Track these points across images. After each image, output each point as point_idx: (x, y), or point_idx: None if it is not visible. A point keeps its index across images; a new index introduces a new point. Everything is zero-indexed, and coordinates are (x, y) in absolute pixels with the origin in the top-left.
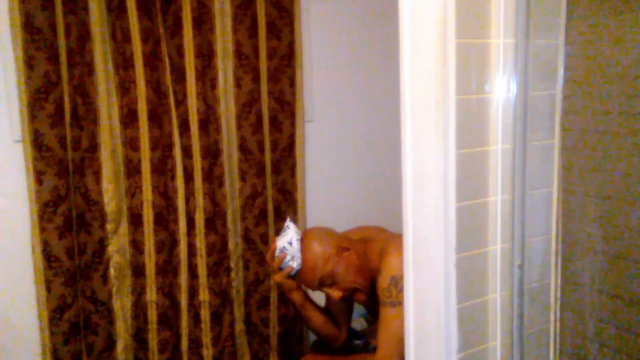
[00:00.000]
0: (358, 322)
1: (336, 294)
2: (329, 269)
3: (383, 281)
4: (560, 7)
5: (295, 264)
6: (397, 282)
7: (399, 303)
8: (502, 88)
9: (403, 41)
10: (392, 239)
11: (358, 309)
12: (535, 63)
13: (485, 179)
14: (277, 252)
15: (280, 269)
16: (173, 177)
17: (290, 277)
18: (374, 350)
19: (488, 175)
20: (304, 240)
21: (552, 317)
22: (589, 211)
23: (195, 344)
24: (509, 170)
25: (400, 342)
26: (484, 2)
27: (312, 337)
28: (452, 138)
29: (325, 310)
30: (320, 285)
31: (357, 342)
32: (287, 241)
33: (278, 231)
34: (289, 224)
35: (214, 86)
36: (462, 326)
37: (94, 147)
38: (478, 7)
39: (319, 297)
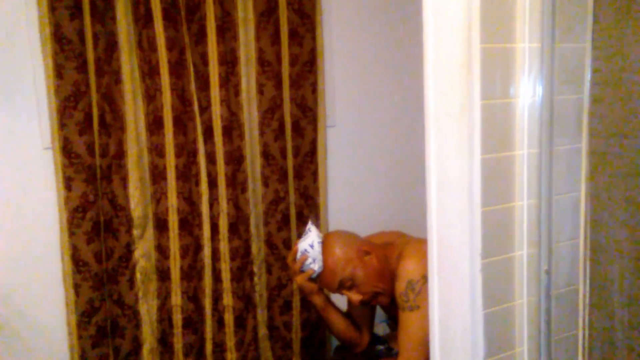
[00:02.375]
0: (381, 328)
1: (356, 297)
2: (349, 271)
3: (400, 286)
4: (587, 10)
5: (316, 267)
6: (414, 286)
7: (417, 307)
8: (527, 92)
9: (427, 46)
10: (409, 243)
11: (380, 314)
12: (561, 67)
13: (511, 183)
14: (298, 255)
15: (302, 272)
16: (197, 183)
17: (311, 279)
18: (397, 355)
19: (514, 180)
20: (325, 242)
21: (580, 323)
22: (617, 216)
23: (220, 348)
24: (535, 175)
25: (420, 345)
26: (509, 6)
27: (335, 342)
28: (477, 143)
29: (348, 315)
30: (340, 287)
31: (380, 347)
32: (309, 244)
33: (300, 235)
34: (310, 226)
35: (237, 93)
36: (488, 332)
37: (120, 154)
38: (503, 12)
39: (342, 303)
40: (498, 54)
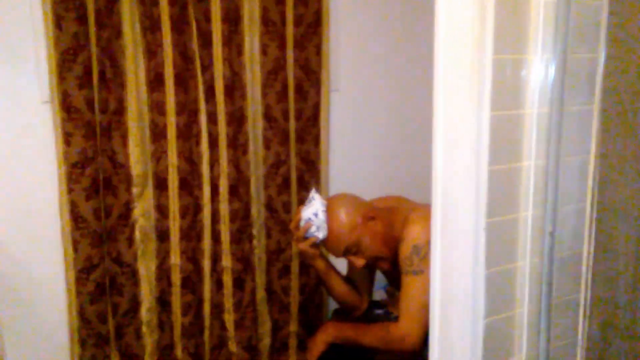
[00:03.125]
0: (378, 294)
1: (360, 262)
2: (355, 237)
3: (405, 250)
4: None
5: (320, 235)
6: (419, 250)
7: (420, 271)
8: (540, 49)
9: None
10: (415, 208)
11: (379, 280)
12: (577, 23)
13: (520, 142)
14: (302, 223)
15: (305, 239)
16: (198, 143)
17: (313, 246)
18: (395, 319)
19: (522, 139)
20: (330, 207)
21: (582, 286)
22: (626, 175)
23: (217, 309)
24: (544, 135)
25: (422, 309)
26: None
27: (332, 307)
28: (486, 99)
29: (348, 279)
30: (346, 253)
31: (379, 311)
32: (313, 212)
33: (302, 200)
34: (314, 195)
35: (240, 52)
36: (489, 292)
37: (120, 110)
38: None
39: (341, 267)
40: (512, 7)
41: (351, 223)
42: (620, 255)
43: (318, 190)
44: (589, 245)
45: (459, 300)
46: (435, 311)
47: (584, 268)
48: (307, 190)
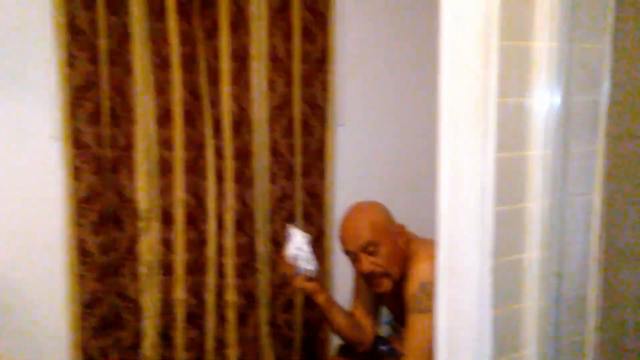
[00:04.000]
0: (383, 329)
1: (368, 266)
2: (381, 238)
3: (412, 287)
4: (607, 11)
5: (311, 267)
6: (426, 289)
7: (427, 310)
8: (544, 92)
9: (443, 41)
10: (423, 244)
11: (383, 316)
12: (579, 67)
13: (525, 184)
14: (289, 261)
15: (297, 275)
16: (205, 178)
17: (310, 279)
18: (400, 357)
19: (527, 180)
20: (372, 203)
21: (590, 328)
22: (632, 219)
23: (221, 344)
24: (549, 176)
25: (428, 348)
26: (529, 4)
27: (336, 343)
28: (491, 141)
29: (351, 315)
30: (364, 248)
31: (383, 348)
32: (296, 247)
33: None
34: (292, 230)
35: (247, 89)
36: (496, 333)
37: (129, 146)
38: (522, 9)
39: (346, 304)
40: (516, 51)
41: (384, 224)
42: (627, 297)
43: (295, 225)
44: (595, 286)
45: (464, 342)
46: (440, 352)
47: (591, 310)
48: (313, 225)
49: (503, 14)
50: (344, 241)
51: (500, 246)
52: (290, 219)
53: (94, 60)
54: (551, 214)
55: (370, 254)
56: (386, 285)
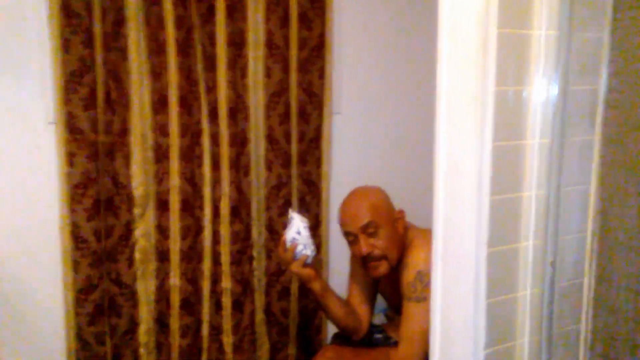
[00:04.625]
0: (377, 317)
1: (366, 248)
2: (382, 220)
3: (408, 275)
4: (606, 0)
5: (309, 252)
6: (423, 277)
7: (423, 298)
8: (542, 81)
9: (441, 29)
10: (420, 233)
11: (378, 304)
12: (578, 56)
13: (521, 173)
14: (287, 244)
15: (295, 260)
16: (200, 164)
17: (307, 265)
18: (394, 344)
19: (524, 169)
20: (376, 188)
21: (583, 317)
22: (628, 208)
23: (216, 331)
24: (545, 165)
25: (423, 337)
26: None
27: (332, 330)
28: (488, 130)
29: (347, 302)
30: (363, 227)
31: (378, 336)
32: (295, 231)
33: (285, 226)
34: (292, 214)
35: (244, 75)
36: (490, 322)
37: (124, 132)
38: None
39: (341, 291)
40: (514, 40)
41: (385, 208)
42: (621, 287)
43: (295, 210)
44: (589, 276)
45: (459, 330)
46: (435, 340)
47: (585, 298)
48: (308, 212)
49: (501, 1)
50: (344, 222)
51: (495, 235)
52: (286, 207)
53: (88, 44)
54: (547, 203)
55: (370, 235)
56: (383, 269)
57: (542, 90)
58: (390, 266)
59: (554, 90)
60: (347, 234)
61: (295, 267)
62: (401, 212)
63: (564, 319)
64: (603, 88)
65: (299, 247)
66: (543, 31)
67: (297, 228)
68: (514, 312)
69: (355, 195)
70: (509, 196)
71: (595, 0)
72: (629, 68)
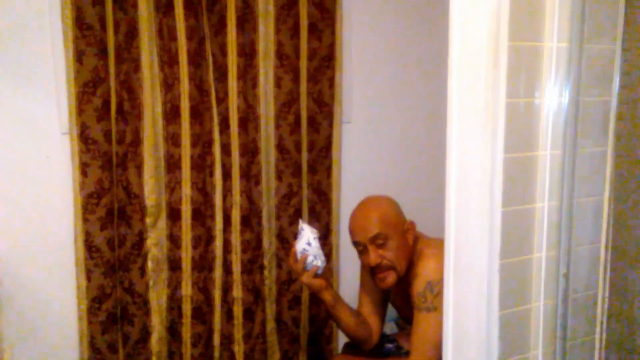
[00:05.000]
0: (388, 327)
1: (374, 258)
2: (391, 232)
3: (419, 285)
4: (618, 11)
5: (319, 262)
6: (433, 287)
7: (434, 308)
8: (553, 92)
9: (453, 41)
10: (430, 243)
11: (390, 313)
12: (589, 68)
13: (533, 184)
14: (298, 256)
15: (305, 271)
16: (212, 174)
17: (317, 275)
18: (406, 354)
19: (536, 180)
20: (379, 196)
21: (597, 329)
22: None
23: (227, 340)
24: (557, 177)
25: (434, 347)
26: (539, 4)
27: (342, 340)
28: (500, 141)
29: (357, 312)
30: (372, 238)
31: (389, 345)
32: (306, 242)
33: (296, 236)
34: (302, 225)
35: (254, 85)
36: (503, 334)
37: (137, 142)
38: (532, 9)
39: (351, 301)
40: (525, 51)
41: (395, 218)
42: (635, 298)
43: (305, 221)
44: (603, 288)
45: (472, 342)
46: (447, 352)
47: (599, 310)
48: (319, 221)
49: (512, 13)
50: (353, 232)
51: (508, 247)
52: (297, 216)
53: (102, 55)
54: (559, 214)
55: (379, 246)
56: (391, 279)
57: (553, 101)
58: (399, 277)
59: (566, 101)
60: (356, 243)
61: (306, 278)
62: (412, 223)
63: (577, 330)
64: (615, 100)
65: (310, 258)
66: (554, 43)
67: (307, 239)
68: (527, 324)
69: (365, 205)
70: (520, 207)
71: (606, 12)
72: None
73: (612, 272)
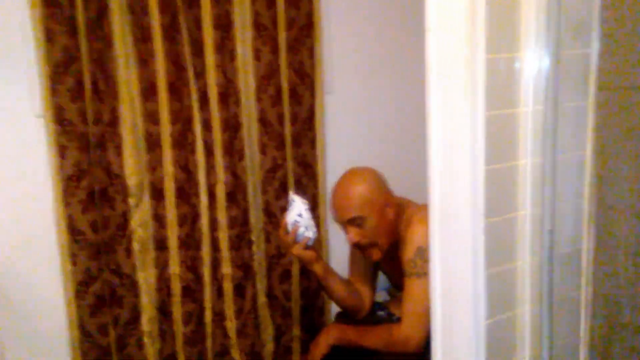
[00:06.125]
0: (380, 295)
1: (355, 237)
2: (367, 212)
3: (408, 252)
4: None
5: (310, 234)
6: (423, 253)
7: (424, 274)
8: (533, 47)
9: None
10: (418, 210)
11: (381, 282)
12: (569, 20)
13: (515, 141)
14: (289, 227)
15: (296, 243)
16: (193, 151)
17: (308, 247)
18: (397, 321)
19: (518, 137)
20: (357, 173)
21: (583, 283)
22: (624, 172)
23: (219, 317)
24: (539, 133)
25: (425, 312)
26: None
27: (334, 310)
28: (481, 99)
29: (349, 282)
30: (349, 221)
31: (381, 313)
32: (297, 214)
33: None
34: (293, 196)
35: (232, 58)
36: (490, 292)
37: (114, 121)
38: None
39: (341, 271)
40: (503, 5)
41: (371, 198)
42: (620, 251)
43: (296, 192)
44: (588, 242)
45: (460, 303)
46: (436, 313)
47: (584, 265)
48: (305, 194)
49: None
50: (332, 211)
51: (492, 205)
52: (283, 190)
53: (72, 34)
54: (543, 171)
55: (358, 226)
56: (375, 255)
57: (533, 57)
58: (382, 251)
59: (546, 56)
60: (336, 221)
61: (296, 250)
62: (391, 196)
63: (564, 286)
64: (595, 51)
65: (301, 230)
66: None
67: (298, 210)
68: (514, 281)
69: (343, 185)
70: (504, 165)
71: None
72: (620, 30)
73: (597, 226)
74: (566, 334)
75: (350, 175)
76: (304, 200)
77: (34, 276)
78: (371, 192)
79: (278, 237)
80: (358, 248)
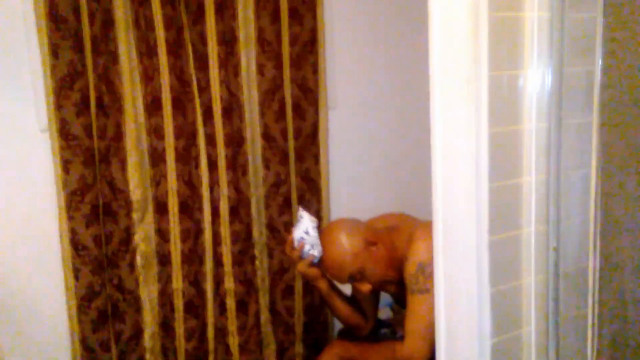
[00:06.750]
0: (383, 312)
1: (365, 287)
2: (358, 264)
3: (410, 268)
4: None
5: (316, 252)
6: (424, 269)
7: (426, 290)
8: (536, 64)
9: (432, 15)
10: (419, 226)
11: (384, 298)
12: (571, 37)
13: (519, 158)
14: (295, 244)
15: (301, 259)
16: (197, 166)
17: (313, 265)
18: (401, 338)
19: (522, 154)
20: (329, 234)
21: (590, 301)
22: (629, 189)
23: (221, 333)
24: (544, 150)
25: (428, 329)
26: None
27: (337, 326)
28: (484, 116)
29: (352, 299)
30: (350, 280)
31: (384, 330)
32: (304, 231)
33: (294, 223)
34: (302, 213)
35: (236, 73)
36: (495, 311)
37: (119, 136)
38: None
39: (346, 287)
40: (506, 23)
41: (353, 250)
42: (626, 268)
43: (305, 208)
44: (594, 260)
45: (464, 321)
46: (440, 331)
47: (590, 283)
48: (309, 209)
49: None
50: (332, 279)
51: (496, 223)
52: (286, 205)
53: (78, 49)
54: (547, 188)
55: (360, 280)
56: (391, 288)
57: (536, 73)
58: (397, 281)
59: (549, 72)
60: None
61: (301, 267)
62: (373, 232)
63: (570, 304)
64: (599, 67)
65: (306, 247)
66: (535, 13)
67: (305, 228)
68: (519, 299)
69: (326, 252)
70: (508, 182)
71: None
72: (623, 47)
73: (602, 243)
74: (572, 353)
75: (327, 240)
76: (313, 218)
77: (37, 291)
78: (351, 245)
79: (283, 252)
80: (375, 291)
